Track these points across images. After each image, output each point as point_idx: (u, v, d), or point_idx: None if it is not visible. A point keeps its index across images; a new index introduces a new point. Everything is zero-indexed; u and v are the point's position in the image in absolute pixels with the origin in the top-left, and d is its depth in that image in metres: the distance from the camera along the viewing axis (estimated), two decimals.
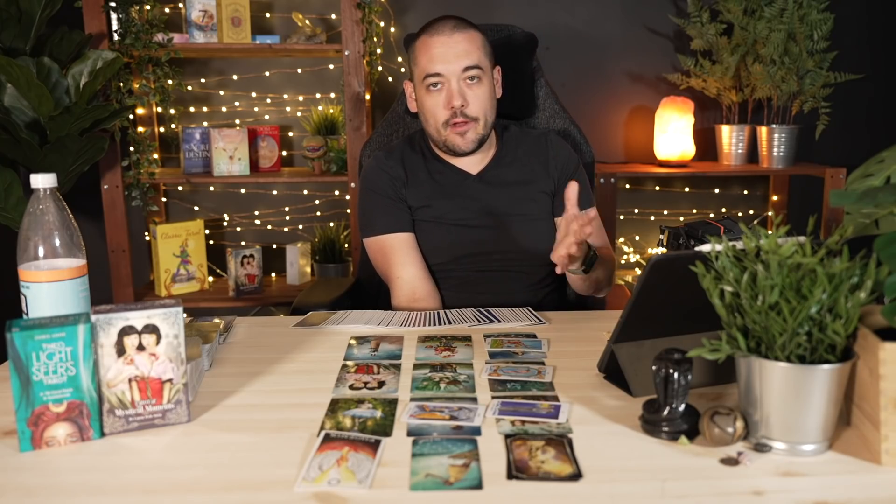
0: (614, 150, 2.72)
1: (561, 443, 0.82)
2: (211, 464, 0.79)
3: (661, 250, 1.28)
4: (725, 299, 0.81)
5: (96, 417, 0.84)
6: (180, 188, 2.68)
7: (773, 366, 0.77)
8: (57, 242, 0.97)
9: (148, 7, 2.30)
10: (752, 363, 0.79)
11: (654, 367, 0.83)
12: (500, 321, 1.29)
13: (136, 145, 2.36)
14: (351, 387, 1.00)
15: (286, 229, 2.72)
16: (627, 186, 2.75)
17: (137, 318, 0.84)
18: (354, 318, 1.32)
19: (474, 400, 0.95)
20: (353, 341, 1.20)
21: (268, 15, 2.57)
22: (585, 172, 1.66)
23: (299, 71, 2.62)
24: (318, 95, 2.64)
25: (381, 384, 1.00)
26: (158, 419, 0.87)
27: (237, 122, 2.64)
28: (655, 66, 2.67)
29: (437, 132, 1.53)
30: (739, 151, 2.53)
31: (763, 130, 2.49)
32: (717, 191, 2.76)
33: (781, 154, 2.46)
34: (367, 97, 2.43)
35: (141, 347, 0.85)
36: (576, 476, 0.75)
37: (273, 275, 2.73)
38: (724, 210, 2.77)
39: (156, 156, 2.50)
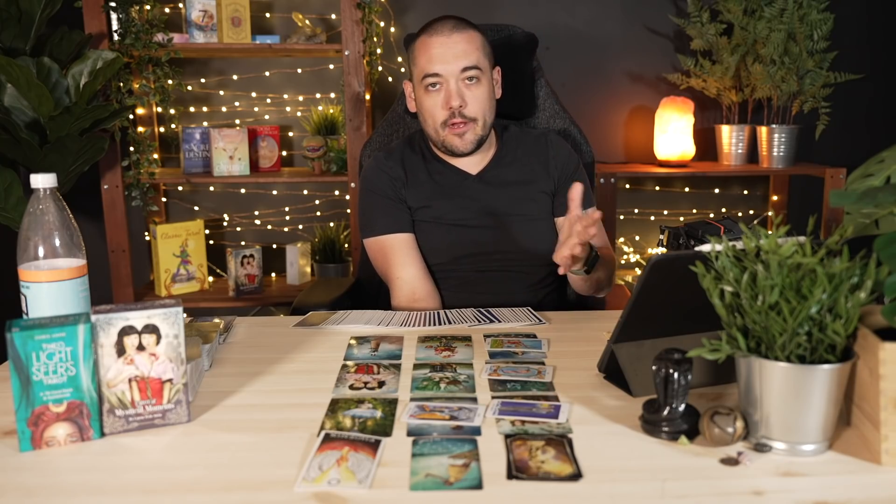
0: (614, 150, 2.72)
1: (561, 443, 0.82)
2: (211, 464, 0.79)
3: (661, 250, 1.28)
4: (725, 299, 0.81)
5: (96, 417, 0.84)
6: (180, 188, 2.68)
7: (773, 366, 0.77)
8: (57, 242, 0.97)
9: (148, 7, 2.30)
10: (752, 363, 0.79)
11: (654, 367, 0.83)
12: (500, 321, 1.29)
13: (136, 145, 2.36)
14: (351, 387, 1.00)
15: (286, 229, 2.72)
16: (627, 186, 2.75)
17: (137, 318, 0.84)
18: (354, 318, 1.32)
19: (474, 400, 0.95)
20: (353, 341, 1.20)
21: (268, 15, 2.57)
22: (585, 172, 1.66)
23: (299, 71, 2.62)
24: (318, 95, 2.64)
25: (381, 384, 1.00)
26: (158, 419, 0.87)
27: (237, 122, 2.64)
28: (655, 66, 2.67)
29: (435, 132, 1.53)
30: (739, 151, 2.53)
31: (763, 130, 2.49)
32: (717, 191, 2.76)
33: (781, 154, 2.46)
34: (367, 97, 2.43)
35: (141, 347, 0.85)
36: (576, 476, 0.75)
37: (273, 275, 2.73)
38: (724, 210, 2.77)
39: (156, 156, 2.50)
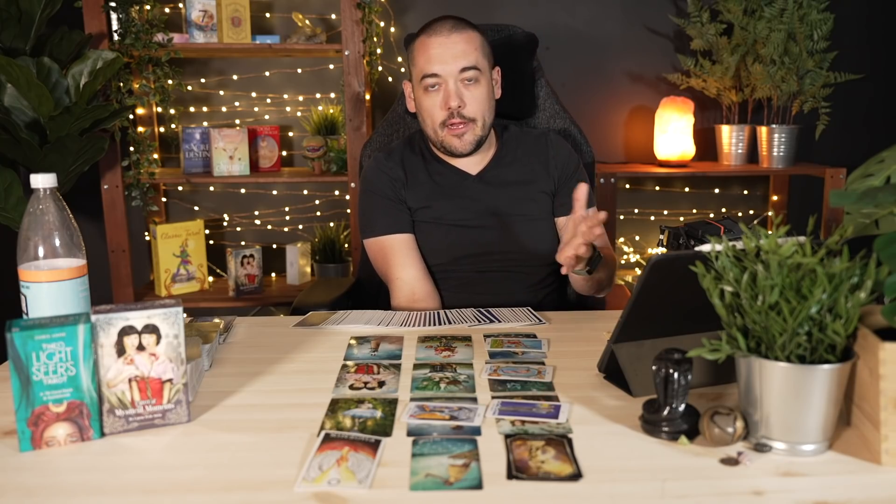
0: (614, 150, 2.72)
1: (561, 443, 0.82)
2: (211, 464, 0.79)
3: (661, 250, 1.28)
4: (725, 299, 0.81)
5: (96, 417, 0.84)
6: (180, 188, 2.68)
7: (773, 366, 0.77)
8: (57, 242, 0.97)
9: (148, 7, 2.30)
10: (752, 363, 0.79)
11: (654, 367, 0.83)
12: (500, 321, 1.29)
13: (136, 145, 2.36)
14: (351, 387, 1.00)
15: (286, 229, 2.72)
16: (627, 186, 2.75)
17: (137, 318, 0.84)
18: (354, 318, 1.32)
19: (474, 400, 0.95)
20: (353, 341, 1.20)
21: (268, 15, 2.57)
22: (586, 172, 1.66)
23: (299, 71, 2.62)
24: (318, 95, 2.64)
25: (381, 384, 1.00)
26: (158, 419, 0.87)
27: (237, 122, 2.64)
28: (655, 66, 2.67)
29: (434, 133, 1.53)
30: (739, 151, 2.53)
31: (763, 130, 2.49)
32: (717, 191, 2.76)
33: (781, 154, 2.46)
34: (367, 97, 2.43)
35: (141, 347, 0.85)
36: (576, 476, 0.75)
37: (273, 275, 2.73)
38: (724, 210, 2.77)
39: (156, 156, 2.50)
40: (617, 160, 2.72)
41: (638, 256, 2.78)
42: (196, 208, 2.70)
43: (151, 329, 0.85)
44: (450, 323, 1.29)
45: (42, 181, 0.97)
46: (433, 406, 0.92)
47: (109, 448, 0.83)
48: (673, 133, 2.50)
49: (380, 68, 2.55)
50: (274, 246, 2.71)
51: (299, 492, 0.72)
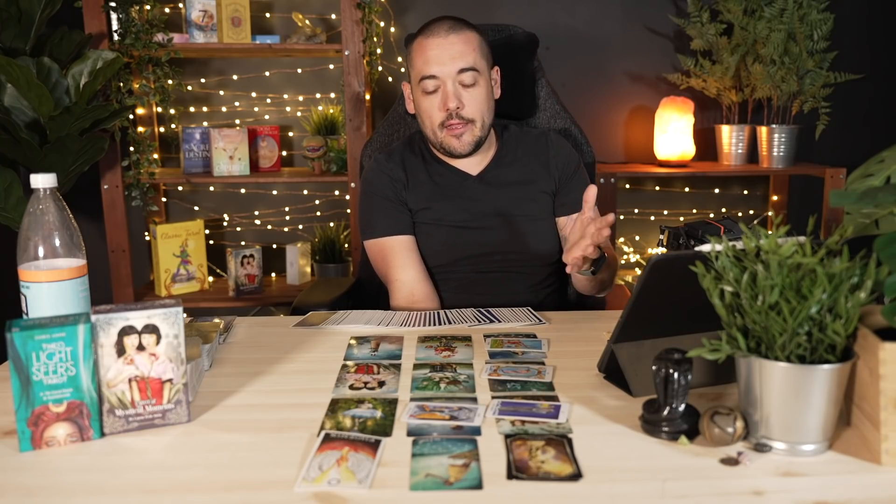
0: (614, 150, 2.72)
1: (561, 443, 0.82)
2: (211, 464, 0.79)
3: (661, 250, 1.27)
4: (725, 299, 0.81)
5: (96, 417, 0.84)
6: (180, 188, 2.69)
7: (773, 366, 0.77)
8: (57, 242, 0.97)
9: (148, 7, 2.30)
10: (752, 363, 0.79)
11: (654, 367, 0.83)
12: (500, 321, 1.29)
13: (136, 145, 2.36)
14: (351, 387, 1.00)
15: (286, 229, 2.72)
16: (627, 186, 2.75)
17: (137, 318, 0.84)
18: (354, 318, 1.32)
19: (474, 400, 0.95)
20: (353, 341, 1.20)
21: (268, 15, 2.57)
22: (586, 171, 1.66)
23: (299, 71, 2.62)
24: (318, 95, 2.64)
25: (381, 384, 1.00)
26: (158, 419, 0.87)
27: (237, 122, 2.64)
28: (655, 66, 2.67)
29: (433, 134, 1.53)
30: (739, 151, 2.53)
31: (763, 130, 2.49)
32: (717, 191, 2.76)
33: (781, 154, 2.46)
34: (367, 97, 2.43)
35: (141, 347, 0.85)
36: (576, 476, 0.75)
37: (273, 275, 2.73)
38: (724, 210, 2.77)
39: (156, 156, 2.50)
40: (617, 160, 2.72)
41: (638, 256, 2.78)
42: (196, 208, 2.70)
43: (151, 329, 0.85)
44: (450, 323, 1.29)
45: (42, 181, 0.97)
46: (433, 406, 0.92)
47: (109, 448, 0.83)
48: (673, 133, 2.50)
49: (380, 68, 2.55)
50: (274, 246, 2.71)
51: (299, 492, 0.72)
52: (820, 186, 2.51)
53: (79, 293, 0.99)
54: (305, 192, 2.70)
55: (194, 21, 2.33)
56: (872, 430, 0.79)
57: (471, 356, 1.12)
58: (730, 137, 2.53)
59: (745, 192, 2.77)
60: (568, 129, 1.80)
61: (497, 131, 1.63)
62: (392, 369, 1.06)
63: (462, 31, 1.49)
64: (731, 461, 0.78)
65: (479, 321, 1.29)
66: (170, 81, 2.38)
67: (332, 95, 2.63)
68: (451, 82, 1.48)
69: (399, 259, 1.51)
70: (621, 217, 2.74)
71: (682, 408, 0.83)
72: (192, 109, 2.63)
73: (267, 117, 2.65)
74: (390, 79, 2.63)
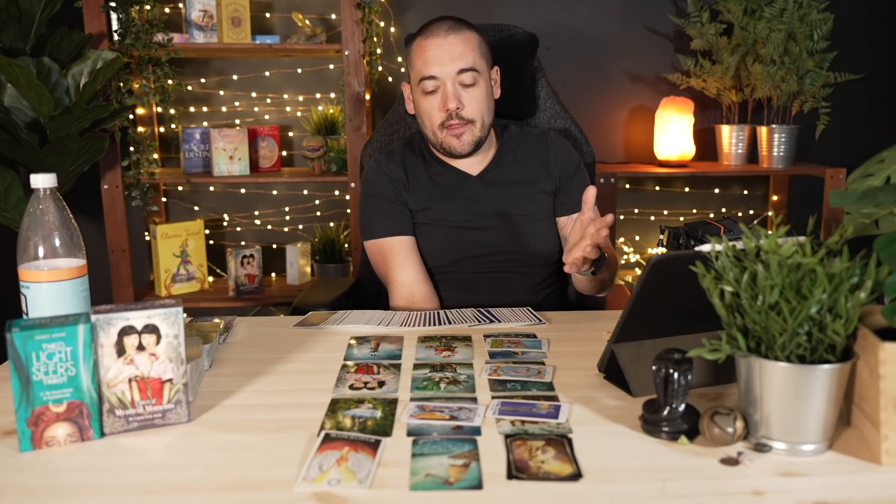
0: (614, 150, 2.72)
1: (561, 443, 0.82)
2: (211, 464, 0.79)
3: (661, 250, 1.27)
4: (725, 299, 0.81)
5: (96, 417, 0.84)
6: (180, 188, 2.69)
7: (773, 366, 0.77)
8: (57, 242, 0.97)
9: (148, 7, 2.30)
10: (752, 363, 0.79)
11: (654, 367, 0.83)
12: (500, 321, 1.29)
13: (136, 145, 2.36)
14: (351, 387, 1.00)
15: (286, 229, 2.72)
16: (627, 186, 2.75)
17: (137, 318, 0.84)
18: (354, 318, 1.32)
19: (474, 400, 0.95)
20: (353, 341, 1.20)
21: (268, 15, 2.57)
22: (586, 171, 1.66)
23: (299, 71, 2.62)
24: (318, 95, 2.64)
25: (381, 384, 1.00)
26: (158, 419, 0.87)
27: (237, 122, 2.64)
28: (655, 66, 2.67)
29: (433, 134, 1.53)
30: (739, 151, 2.53)
31: (763, 130, 2.49)
32: (717, 191, 2.76)
33: (781, 154, 2.46)
34: (367, 97, 2.43)
35: (141, 347, 0.85)
36: (576, 476, 0.75)
37: (273, 275, 2.73)
38: (724, 210, 2.77)
39: (156, 156, 2.50)
40: (617, 160, 2.72)
41: (638, 256, 2.78)
42: (196, 208, 2.70)
43: (151, 329, 0.85)
44: (450, 323, 1.29)
45: (42, 181, 0.97)
46: (433, 406, 0.92)
47: (109, 448, 0.83)
48: (673, 133, 2.50)
49: (380, 68, 2.55)
50: (274, 246, 2.71)
51: (299, 492, 0.72)
52: (820, 186, 2.51)
53: (79, 293, 0.99)
54: (305, 192, 2.70)
55: (194, 21, 2.33)
56: (872, 430, 0.79)
57: (471, 356, 1.12)
58: (730, 137, 2.53)
59: (745, 192, 2.77)
60: (568, 129, 1.80)
61: (497, 131, 1.63)
62: (392, 369, 1.06)
63: (461, 32, 1.49)
64: (731, 461, 0.78)
65: (479, 321, 1.29)
66: (170, 81, 2.38)
67: (332, 95, 2.63)
68: (450, 83, 1.48)
69: (399, 259, 1.51)
70: (621, 217, 2.74)
71: (682, 408, 0.83)
72: (192, 109, 2.63)
73: (267, 117, 2.65)
74: (390, 79, 2.63)
